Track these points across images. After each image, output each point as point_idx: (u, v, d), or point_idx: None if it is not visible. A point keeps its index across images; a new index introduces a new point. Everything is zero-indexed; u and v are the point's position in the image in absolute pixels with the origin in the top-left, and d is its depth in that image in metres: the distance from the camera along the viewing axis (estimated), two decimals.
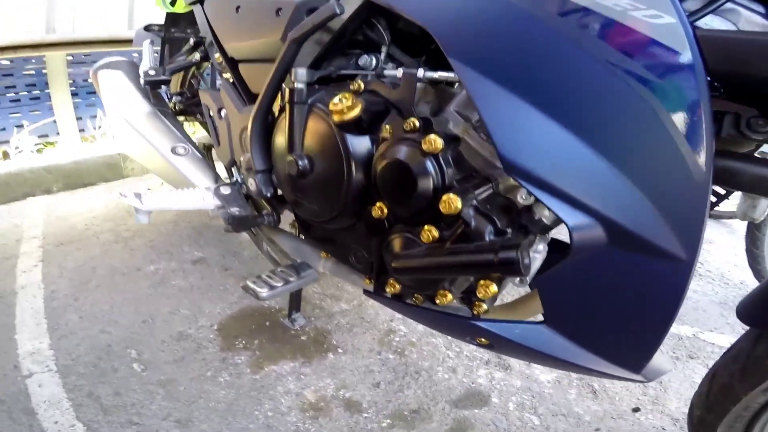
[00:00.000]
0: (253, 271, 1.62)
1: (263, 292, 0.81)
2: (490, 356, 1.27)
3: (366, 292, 0.82)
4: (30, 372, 1.15)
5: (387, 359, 1.25)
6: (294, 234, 1.07)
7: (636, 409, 1.13)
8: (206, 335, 1.29)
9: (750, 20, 0.56)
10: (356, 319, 1.40)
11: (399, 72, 0.69)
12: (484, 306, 0.65)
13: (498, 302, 0.77)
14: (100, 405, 1.07)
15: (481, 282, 0.59)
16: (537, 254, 0.63)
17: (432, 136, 0.57)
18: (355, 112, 0.63)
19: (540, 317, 0.66)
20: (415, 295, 0.74)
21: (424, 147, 0.57)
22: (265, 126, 0.87)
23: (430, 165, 0.58)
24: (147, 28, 1.66)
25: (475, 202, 0.57)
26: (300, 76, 0.73)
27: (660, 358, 0.71)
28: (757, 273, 1.67)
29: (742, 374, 0.64)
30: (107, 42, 2.58)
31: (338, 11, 0.68)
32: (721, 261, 1.93)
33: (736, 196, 1.35)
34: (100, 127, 2.68)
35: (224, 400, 1.09)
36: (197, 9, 1.25)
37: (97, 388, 1.11)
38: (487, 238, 0.57)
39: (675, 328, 1.48)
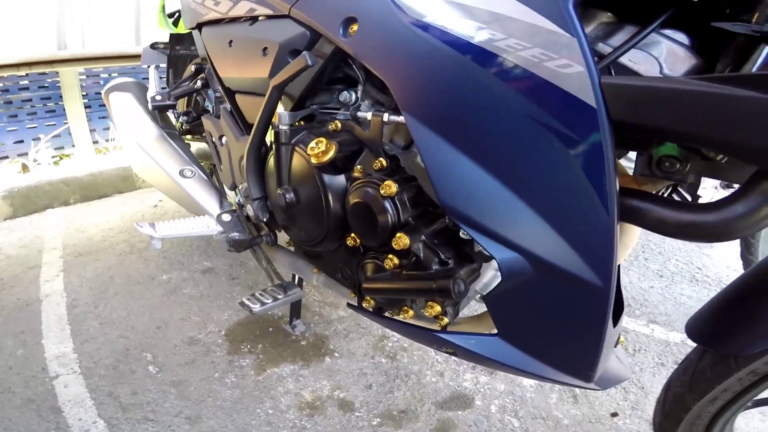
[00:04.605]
0: (258, 281, 1.76)
1: (255, 307, 0.97)
2: None
3: (349, 305, 0.95)
4: (56, 374, 1.29)
5: (380, 363, 1.37)
6: (290, 250, 1.21)
7: (614, 414, 1.21)
8: (215, 340, 1.44)
9: (672, 52, 0.60)
10: (353, 325, 1.52)
11: (369, 115, 0.80)
12: (446, 319, 0.77)
13: (471, 314, 0.89)
14: (119, 404, 1.20)
15: (429, 303, 0.71)
16: (493, 273, 0.74)
17: (389, 181, 0.69)
18: (329, 155, 0.76)
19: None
20: (391, 309, 0.86)
21: (382, 191, 0.70)
22: (259, 158, 1.00)
23: (388, 206, 0.70)
24: (153, 46, 1.79)
25: (424, 237, 0.69)
26: (283, 119, 0.85)
27: (617, 367, 0.78)
28: None
29: (691, 385, 0.70)
30: (116, 57, 2.76)
31: (309, 63, 0.79)
32: (720, 266, 1.97)
33: None
34: (113, 139, 2.87)
35: (230, 399, 1.22)
36: (196, 34, 1.36)
37: (116, 389, 1.24)
38: (432, 268, 0.69)
39: (664, 335, 1.55)
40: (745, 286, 0.65)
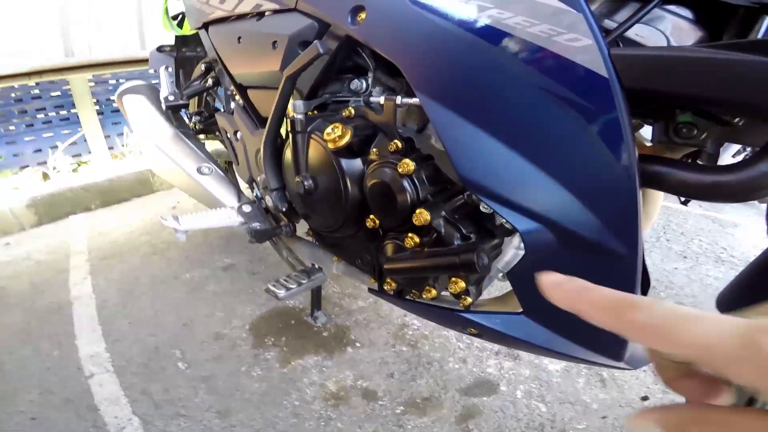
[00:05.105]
0: (279, 274, 1.79)
1: (281, 293, 1.00)
2: (500, 347, 1.39)
3: (370, 290, 0.97)
4: (91, 373, 1.35)
5: (401, 351, 1.39)
6: (310, 241, 1.23)
7: (645, 398, 1.20)
8: (239, 334, 1.48)
9: (677, 26, 0.62)
10: (372, 315, 1.55)
11: (381, 99, 0.82)
12: (469, 299, 0.79)
13: (494, 295, 0.91)
14: (152, 400, 1.24)
15: (453, 279, 0.73)
16: (515, 250, 0.75)
17: (406, 160, 0.71)
18: (345, 139, 0.78)
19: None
20: (412, 291, 0.88)
21: (400, 170, 0.72)
22: (275, 149, 1.03)
23: (406, 184, 0.72)
24: (160, 49, 1.84)
25: (444, 213, 0.71)
26: (298, 108, 0.88)
27: None
28: None
29: None
30: (124, 62, 2.83)
31: (321, 51, 0.81)
32: (747, 245, 1.93)
33: None
34: (126, 144, 2.95)
35: (257, 392, 1.26)
36: (203, 34, 1.38)
37: (149, 386, 1.29)
38: (454, 243, 0.70)
39: None
40: None
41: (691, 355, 0.20)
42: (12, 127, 2.64)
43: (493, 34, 0.62)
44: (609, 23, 0.65)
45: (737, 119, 0.57)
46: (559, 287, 0.24)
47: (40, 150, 2.73)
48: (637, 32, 0.63)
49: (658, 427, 0.22)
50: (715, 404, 0.22)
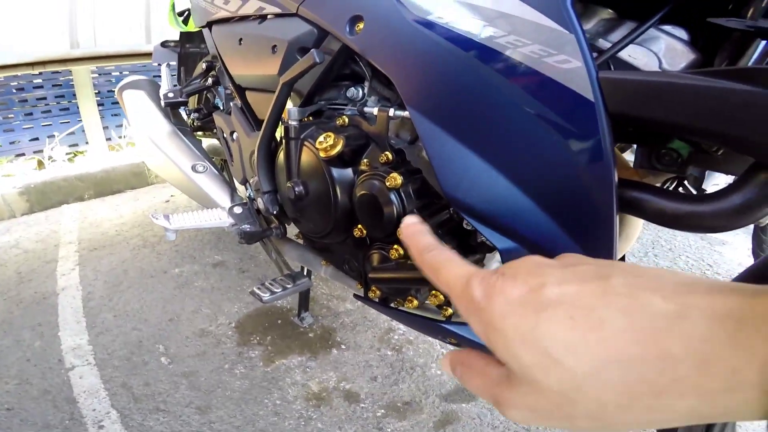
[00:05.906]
0: (268, 273, 1.79)
1: (265, 296, 1.00)
2: None
3: (356, 295, 0.96)
4: (72, 365, 1.32)
5: (385, 355, 1.39)
6: (300, 243, 1.23)
7: None
8: (225, 332, 1.47)
9: (671, 48, 0.61)
10: (359, 318, 1.55)
11: (375, 110, 0.82)
12: (450, 310, 0.79)
13: None
14: (132, 394, 1.23)
15: (433, 292, 0.73)
16: (497, 265, 0.76)
17: (394, 173, 0.71)
18: (337, 149, 0.78)
19: None
20: (396, 299, 0.88)
21: (388, 183, 0.72)
22: (269, 153, 1.02)
23: (393, 197, 0.72)
24: (164, 45, 1.83)
25: (428, 227, 0.71)
26: (292, 115, 0.87)
27: None
28: None
29: None
30: (128, 56, 2.80)
31: (317, 60, 0.81)
32: (733, 263, 1.94)
33: None
34: (125, 136, 2.92)
35: (239, 390, 1.25)
36: (206, 32, 1.38)
37: (129, 380, 1.27)
38: None
39: None
40: (755, 276, 0.66)
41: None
42: (11, 115, 2.60)
43: (484, 52, 0.62)
44: (603, 43, 0.64)
45: (716, 149, 0.57)
46: (407, 227, 0.30)
47: (37, 139, 2.68)
48: (629, 53, 0.62)
49: (448, 367, 0.26)
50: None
